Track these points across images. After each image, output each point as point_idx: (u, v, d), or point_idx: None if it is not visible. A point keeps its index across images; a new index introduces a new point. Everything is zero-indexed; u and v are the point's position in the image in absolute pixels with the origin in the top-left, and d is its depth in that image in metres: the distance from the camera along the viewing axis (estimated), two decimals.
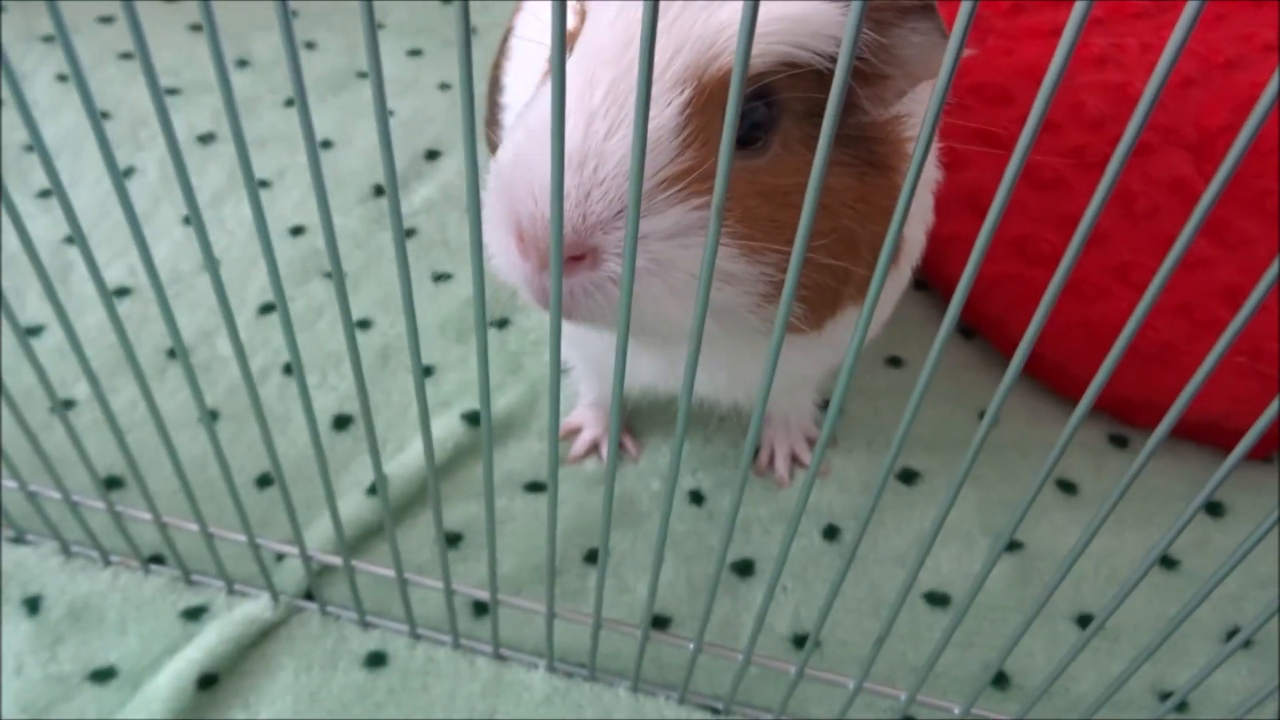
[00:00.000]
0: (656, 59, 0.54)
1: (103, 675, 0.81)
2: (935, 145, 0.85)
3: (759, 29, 0.55)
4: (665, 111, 0.54)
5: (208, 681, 0.80)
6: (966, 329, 1.08)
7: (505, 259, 0.59)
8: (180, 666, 0.80)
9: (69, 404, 0.98)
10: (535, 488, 0.94)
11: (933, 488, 0.96)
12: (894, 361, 1.05)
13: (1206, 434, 0.98)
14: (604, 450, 0.97)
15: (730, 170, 0.55)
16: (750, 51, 0.40)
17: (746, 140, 0.57)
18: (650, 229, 0.54)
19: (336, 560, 0.79)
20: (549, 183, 0.46)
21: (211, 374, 1.00)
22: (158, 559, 0.87)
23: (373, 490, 0.91)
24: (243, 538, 0.79)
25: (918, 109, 0.71)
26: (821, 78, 0.57)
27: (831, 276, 0.63)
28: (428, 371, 1.01)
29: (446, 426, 0.96)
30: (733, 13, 0.55)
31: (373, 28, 0.43)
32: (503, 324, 1.05)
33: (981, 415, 1.01)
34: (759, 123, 0.57)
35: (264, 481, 0.93)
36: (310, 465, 0.94)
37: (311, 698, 0.80)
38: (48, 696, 0.79)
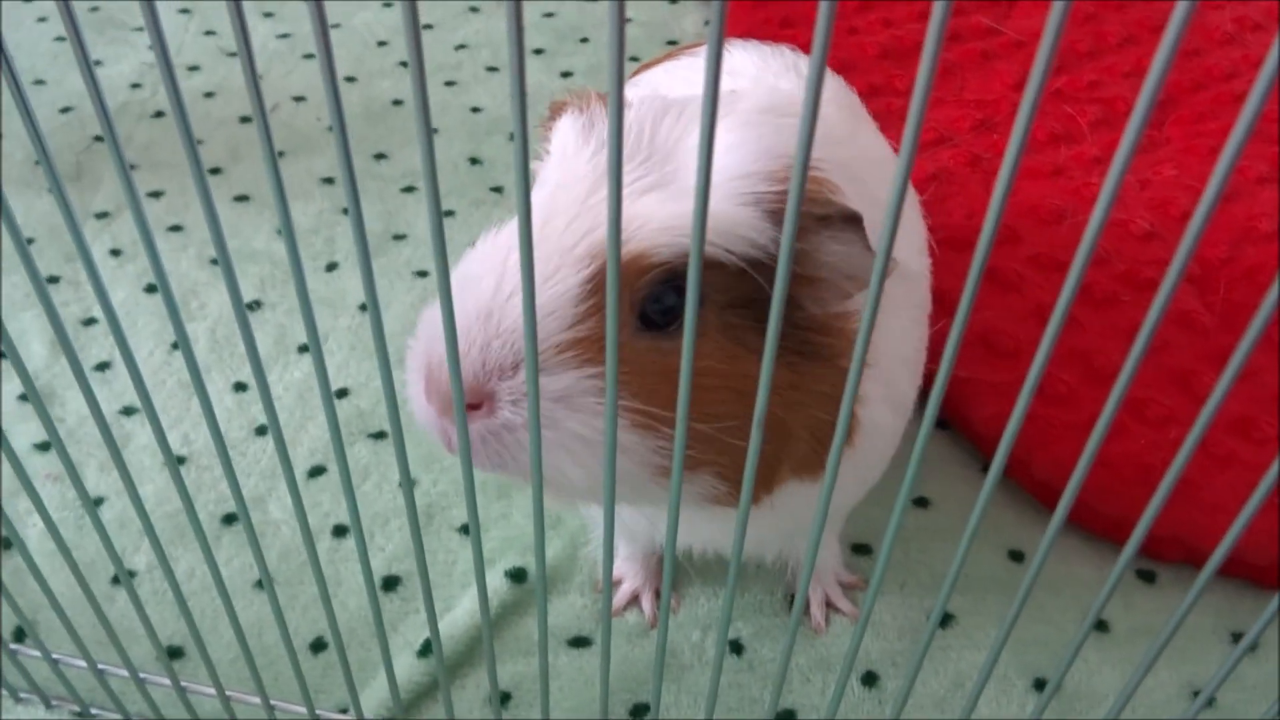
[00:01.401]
0: (571, 235, 0.62)
1: None
2: (928, 262, 0.88)
3: (667, 224, 0.61)
4: (569, 279, 0.60)
5: None
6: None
7: (415, 404, 0.65)
8: None
9: (130, 575, 1.01)
10: (579, 643, 0.97)
11: (966, 629, 0.98)
12: (920, 502, 1.08)
13: (1227, 566, 1.00)
14: (645, 603, 0.99)
15: (640, 348, 0.61)
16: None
17: (658, 322, 0.62)
18: (542, 387, 0.58)
19: None
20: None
21: (264, 539, 1.04)
22: None
23: (423, 651, 0.94)
24: (303, 709, 0.82)
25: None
26: (744, 274, 0.62)
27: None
28: (468, 529, 1.05)
29: (491, 585, 0.99)
30: (644, 208, 0.61)
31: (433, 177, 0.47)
32: None
33: (1010, 554, 1.04)
34: (671, 307, 0.61)
35: (316, 646, 0.96)
36: (362, 628, 0.97)
37: None
38: None
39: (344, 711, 0.89)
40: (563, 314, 0.60)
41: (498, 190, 1.45)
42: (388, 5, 1.77)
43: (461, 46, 1.69)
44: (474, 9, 1.77)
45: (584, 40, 1.71)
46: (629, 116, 0.65)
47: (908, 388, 0.80)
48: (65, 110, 1.56)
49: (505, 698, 0.93)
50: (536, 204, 0.62)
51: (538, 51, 1.69)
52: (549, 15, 1.75)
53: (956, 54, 1.57)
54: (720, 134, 0.60)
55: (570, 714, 0.92)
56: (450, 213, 1.41)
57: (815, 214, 0.62)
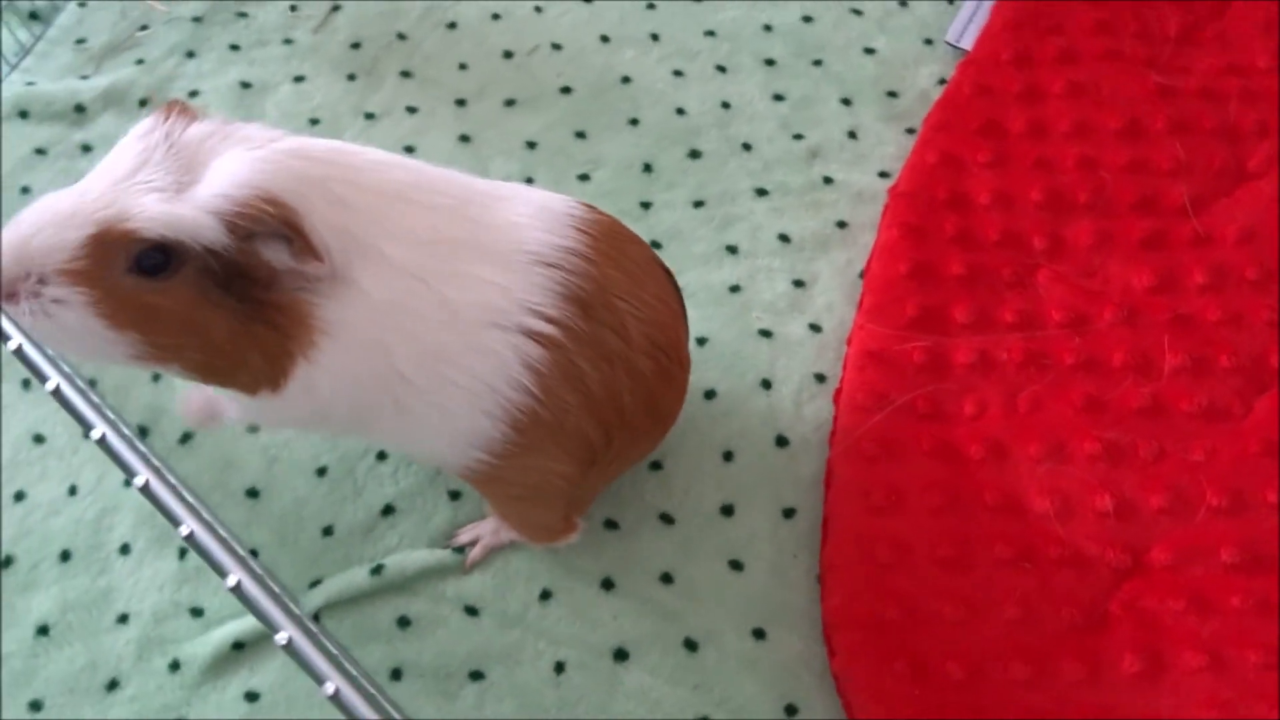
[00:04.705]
0: (94, 203, 0.86)
1: None
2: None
3: (156, 217, 0.84)
4: (77, 230, 0.87)
5: None
6: None
7: None
8: None
9: None
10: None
11: None
12: None
13: None
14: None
15: (128, 284, 0.86)
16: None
17: (150, 270, 0.86)
18: (48, 293, 0.85)
19: None
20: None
21: None
22: None
23: None
24: None
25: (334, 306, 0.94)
26: (217, 254, 0.87)
27: (214, 374, 0.95)
28: None
29: None
30: (146, 202, 0.85)
31: None
32: None
33: None
34: (157, 264, 0.85)
35: None
36: None
37: None
38: None
39: None
40: (66, 246, 0.85)
41: (646, 206, 1.67)
42: None
43: (710, 33, 1.84)
44: None
45: (817, 63, 1.79)
46: (164, 129, 0.88)
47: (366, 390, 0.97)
48: None
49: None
50: (87, 177, 0.90)
51: (769, 62, 1.80)
52: (807, 20, 1.83)
53: (1113, 226, 1.53)
54: (229, 162, 0.87)
55: None
56: None
57: (250, 228, 0.87)
